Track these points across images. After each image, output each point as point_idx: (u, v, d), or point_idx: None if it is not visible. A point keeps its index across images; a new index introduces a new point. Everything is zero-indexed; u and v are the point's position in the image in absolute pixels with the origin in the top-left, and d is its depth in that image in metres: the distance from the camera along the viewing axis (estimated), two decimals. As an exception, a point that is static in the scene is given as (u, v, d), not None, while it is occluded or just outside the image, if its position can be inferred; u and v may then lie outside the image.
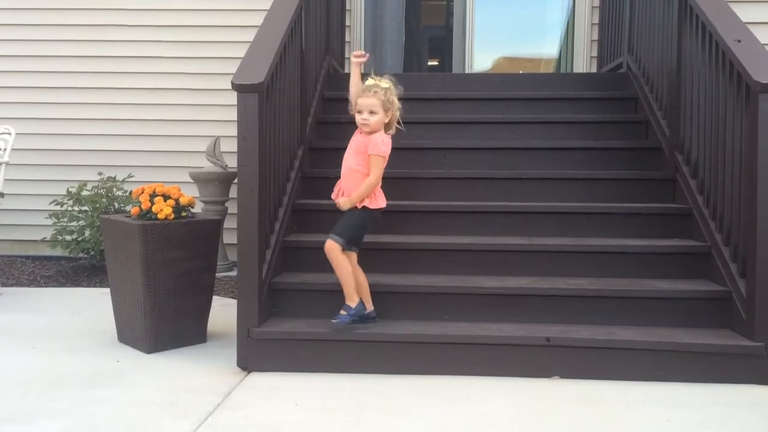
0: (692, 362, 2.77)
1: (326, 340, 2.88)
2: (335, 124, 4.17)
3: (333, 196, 3.03)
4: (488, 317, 3.03)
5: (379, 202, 2.97)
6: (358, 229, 2.95)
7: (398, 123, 3.03)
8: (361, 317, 2.96)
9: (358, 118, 2.97)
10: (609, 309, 3.02)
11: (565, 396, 2.62)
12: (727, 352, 2.77)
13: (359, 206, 2.92)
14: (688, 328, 2.95)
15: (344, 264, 2.90)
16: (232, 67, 3.01)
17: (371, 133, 2.96)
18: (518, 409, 2.50)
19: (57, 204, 4.82)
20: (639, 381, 2.75)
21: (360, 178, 2.93)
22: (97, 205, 4.70)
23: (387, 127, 3.01)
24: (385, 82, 2.97)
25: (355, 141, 3.00)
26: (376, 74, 3.02)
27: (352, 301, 2.91)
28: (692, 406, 2.53)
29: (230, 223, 4.74)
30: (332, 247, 2.88)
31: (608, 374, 2.78)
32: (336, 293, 3.08)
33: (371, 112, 2.93)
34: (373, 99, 2.92)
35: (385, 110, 2.94)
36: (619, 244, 3.30)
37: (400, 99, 3.01)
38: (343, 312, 2.89)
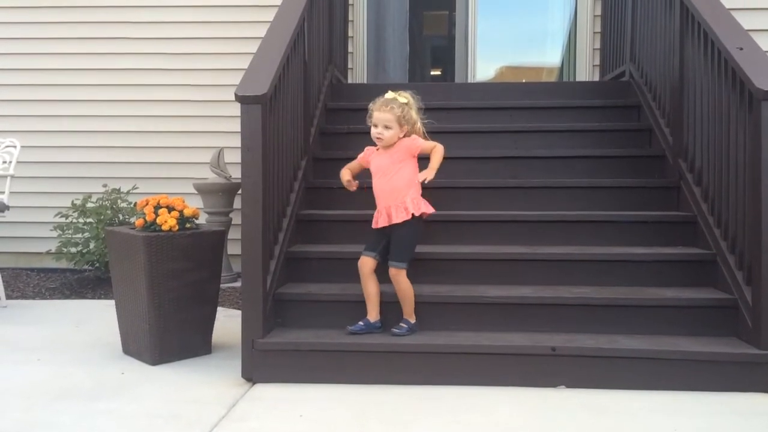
0: (698, 371, 2.75)
1: (331, 351, 2.87)
2: (339, 135, 4.19)
3: (380, 222, 3.01)
4: (493, 327, 3.03)
5: (427, 207, 3.03)
6: (413, 246, 3.03)
7: (424, 134, 3.08)
8: (367, 327, 2.98)
9: (373, 131, 3.00)
10: (614, 318, 3.01)
11: (571, 406, 2.60)
12: (733, 361, 2.75)
13: (410, 217, 2.95)
14: (694, 337, 2.93)
15: (409, 287, 2.97)
16: (236, 79, 3.02)
17: (387, 147, 2.99)
18: (524, 420, 2.49)
19: (62, 216, 4.84)
20: (645, 390, 2.74)
21: (409, 180, 2.98)
22: (102, 217, 4.72)
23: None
24: (404, 98, 3.01)
25: (385, 158, 3.01)
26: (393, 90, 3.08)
27: (412, 317, 2.98)
28: (699, 416, 2.52)
29: (234, 233, 4.73)
30: (398, 273, 2.95)
31: (614, 383, 2.76)
32: (341, 303, 3.09)
33: (386, 127, 2.97)
34: (388, 114, 2.96)
35: (400, 126, 2.98)
36: (623, 252, 3.29)
37: (420, 109, 3.07)
38: (404, 325, 2.95)
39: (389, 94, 3.02)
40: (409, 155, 3.00)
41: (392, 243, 2.98)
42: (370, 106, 3.04)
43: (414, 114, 3.02)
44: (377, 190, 3.05)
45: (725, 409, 2.57)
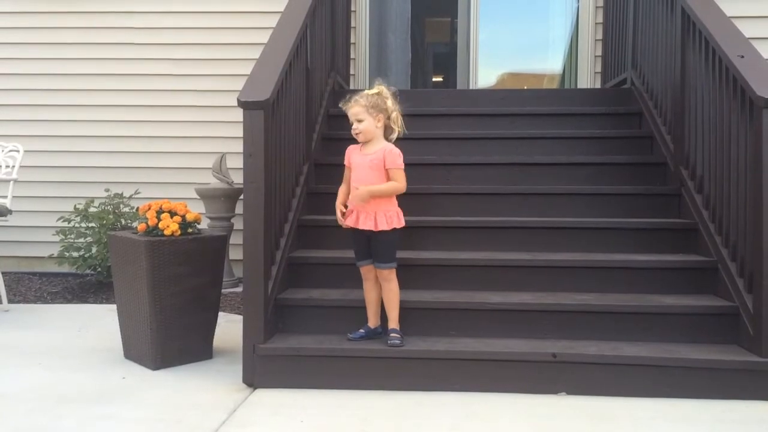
0: (700, 378, 2.75)
1: (332, 357, 2.87)
2: (340, 141, 4.17)
3: (348, 221, 2.99)
4: (494, 333, 3.03)
5: (402, 220, 3.01)
6: (396, 245, 3.01)
7: (402, 125, 3.02)
8: (368, 333, 2.99)
9: (352, 130, 2.99)
10: (615, 324, 3.01)
11: (572, 413, 2.60)
12: (734, 368, 2.75)
13: (389, 228, 2.93)
14: (695, 344, 2.93)
15: (398, 289, 2.97)
16: (239, 85, 3.03)
17: (367, 141, 2.98)
18: (525, 427, 2.48)
19: (64, 220, 4.85)
20: (646, 397, 2.74)
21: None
22: (104, 222, 4.73)
23: (387, 131, 3.01)
24: (375, 89, 3.00)
25: (365, 158, 2.98)
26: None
27: (398, 324, 2.96)
28: (701, 423, 2.52)
29: (236, 239, 4.75)
30: (390, 273, 2.94)
31: (615, 390, 2.77)
32: (342, 309, 3.09)
33: (358, 120, 2.95)
34: (355, 107, 2.96)
35: (373, 115, 2.95)
36: (624, 259, 3.29)
37: (406, 115, 3.02)
38: (396, 335, 2.92)
39: (356, 94, 3.00)
40: (382, 167, 2.94)
41: (375, 247, 2.95)
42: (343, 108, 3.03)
43: (390, 103, 2.97)
44: (354, 185, 3.00)
45: (727, 417, 2.57)
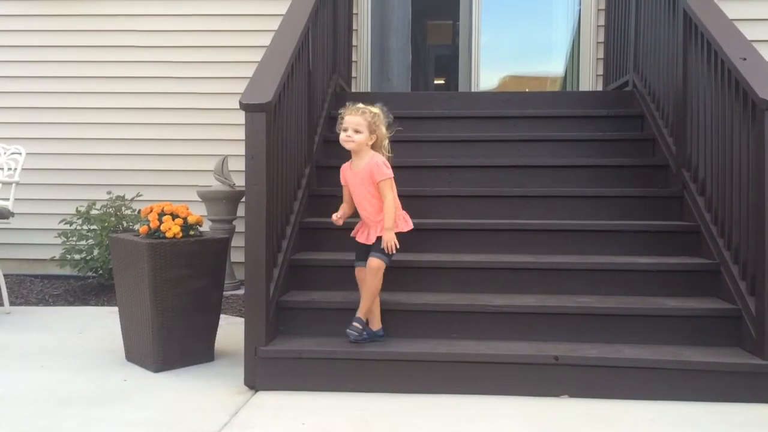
0: (702, 381, 2.74)
1: (333, 359, 2.87)
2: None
3: (358, 236, 3.01)
4: (496, 335, 3.03)
5: (410, 222, 3.01)
6: (396, 245, 2.98)
7: (388, 151, 3.04)
8: (370, 336, 2.98)
9: (342, 135, 2.97)
10: (617, 327, 3.00)
11: (575, 415, 2.60)
12: (736, 371, 2.74)
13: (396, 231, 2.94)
14: (697, 347, 2.93)
15: (380, 284, 2.94)
16: (241, 87, 3.04)
17: (356, 152, 2.98)
18: (527, 429, 2.48)
19: (66, 223, 4.85)
20: (648, 400, 2.73)
21: (379, 207, 2.95)
22: (106, 224, 4.74)
23: (373, 149, 3.01)
24: (375, 109, 3.00)
25: (356, 176, 2.98)
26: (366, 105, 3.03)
27: (365, 316, 2.95)
28: (702, 426, 2.51)
29: (238, 241, 4.76)
30: (381, 265, 2.91)
31: (617, 393, 2.76)
32: (343, 311, 3.09)
33: (356, 131, 2.94)
34: (359, 118, 2.94)
35: (370, 132, 2.95)
36: (626, 261, 3.29)
37: (389, 128, 3.03)
38: (358, 325, 2.92)
39: (359, 105, 3.00)
40: (371, 181, 2.93)
41: (376, 242, 2.94)
42: (340, 111, 3.02)
43: (383, 129, 2.99)
44: (355, 202, 3.03)
45: (728, 420, 2.56)
